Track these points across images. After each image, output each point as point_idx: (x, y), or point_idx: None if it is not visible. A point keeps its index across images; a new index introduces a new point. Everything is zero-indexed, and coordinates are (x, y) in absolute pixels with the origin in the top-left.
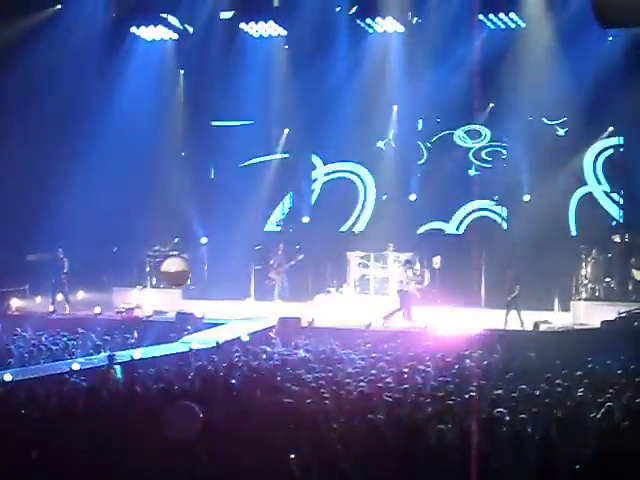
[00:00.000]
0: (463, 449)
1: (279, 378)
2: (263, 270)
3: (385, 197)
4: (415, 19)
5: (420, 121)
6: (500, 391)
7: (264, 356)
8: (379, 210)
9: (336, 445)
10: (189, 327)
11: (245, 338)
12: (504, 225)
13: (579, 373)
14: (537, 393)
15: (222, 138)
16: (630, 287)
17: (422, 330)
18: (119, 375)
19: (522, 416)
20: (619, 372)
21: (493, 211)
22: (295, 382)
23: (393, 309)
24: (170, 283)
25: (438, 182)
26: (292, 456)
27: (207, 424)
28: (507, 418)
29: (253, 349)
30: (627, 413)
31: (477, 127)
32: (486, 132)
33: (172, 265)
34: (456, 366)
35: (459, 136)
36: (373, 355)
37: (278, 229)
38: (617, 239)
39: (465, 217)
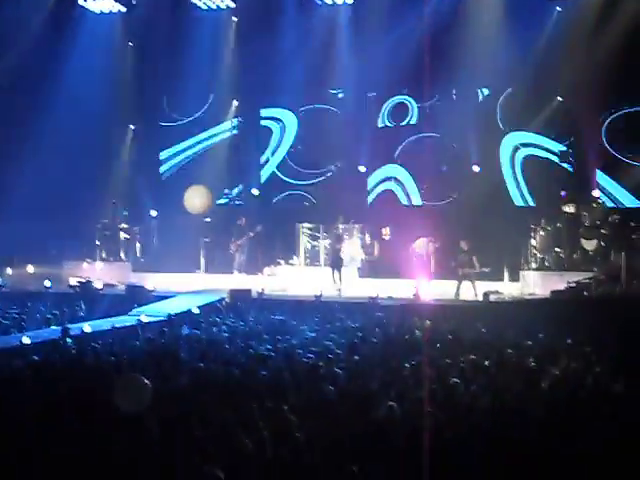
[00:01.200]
0: (415, 420)
1: (229, 350)
2: (212, 242)
3: (335, 168)
4: None
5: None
6: (450, 361)
7: (214, 328)
8: (329, 182)
9: (288, 417)
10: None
11: (195, 310)
12: (454, 196)
13: (529, 343)
14: (487, 363)
15: (172, 110)
16: (579, 257)
17: (371, 301)
18: (69, 348)
19: (473, 386)
20: (569, 342)
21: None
22: (245, 354)
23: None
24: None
25: (389, 153)
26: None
27: (157, 397)
28: (458, 388)
29: (203, 321)
30: (576, 382)
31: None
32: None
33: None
34: (406, 337)
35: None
36: (324, 326)
37: (231, 202)
38: (566, 209)
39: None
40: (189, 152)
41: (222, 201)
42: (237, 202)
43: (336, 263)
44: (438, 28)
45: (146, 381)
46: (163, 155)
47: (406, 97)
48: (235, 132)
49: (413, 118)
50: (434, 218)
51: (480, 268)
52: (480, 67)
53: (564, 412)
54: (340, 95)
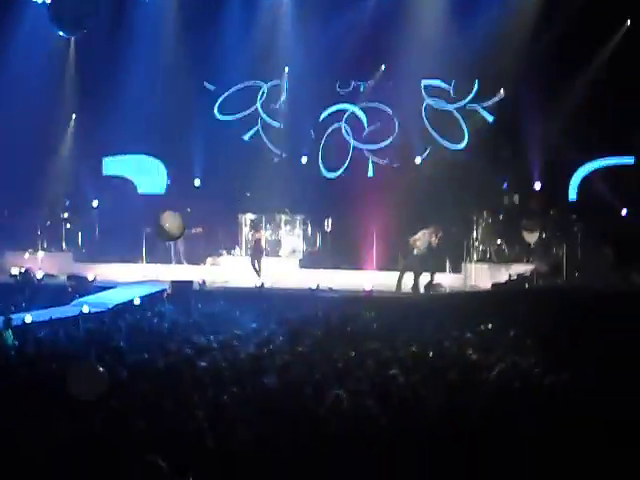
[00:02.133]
0: (357, 411)
1: (170, 341)
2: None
3: (277, 160)
4: None
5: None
6: (390, 353)
7: (155, 319)
8: (272, 172)
9: (229, 408)
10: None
11: (137, 301)
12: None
13: (469, 335)
14: (429, 355)
15: (113, 100)
16: (520, 249)
17: (313, 292)
18: (10, 339)
19: (414, 378)
20: (511, 334)
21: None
22: (187, 344)
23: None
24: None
25: (330, 144)
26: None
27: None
28: (400, 380)
29: (145, 312)
30: (518, 375)
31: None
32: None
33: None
34: (347, 328)
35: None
36: (266, 317)
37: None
38: (508, 201)
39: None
40: None
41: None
42: (177, 191)
43: (256, 253)
44: (381, 20)
45: (101, 369)
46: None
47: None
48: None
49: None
50: (379, 209)
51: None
52: (424, 58)
53: (504, 404)
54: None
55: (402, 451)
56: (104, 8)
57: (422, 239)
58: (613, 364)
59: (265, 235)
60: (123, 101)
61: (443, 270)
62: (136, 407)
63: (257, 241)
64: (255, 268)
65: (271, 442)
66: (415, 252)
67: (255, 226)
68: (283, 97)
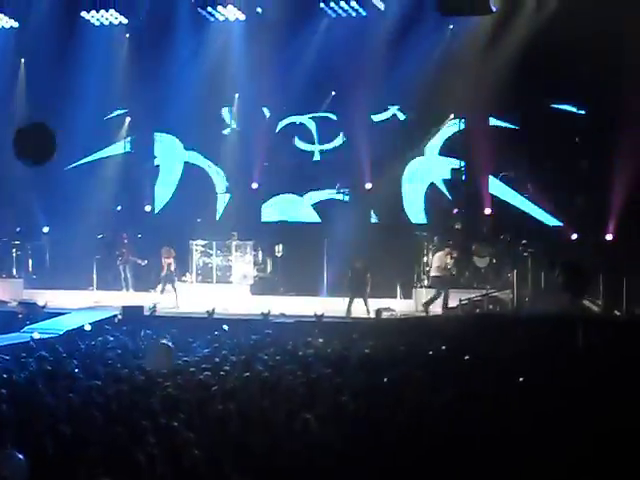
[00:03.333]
0: (307, 437)
1: (121, 367)
2: (105, 259)
3: (227, 185)
4: (257, 8)
5: (265, 109)
6: (341, 379)
7: (107, 345)
8: (222, 199)
9: (181, 434)
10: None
11: (87, 327)
12: (347, 213)
13: (420, 359)
14: (381, 380)
15: (64, 127)
16: (471, 274)
17: (264, 317)
18: None
19: (366, 402)
20: (466, 358)
21: (336, 199)
22: (138, 371)
23: (432, 296)
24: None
25: (282, 170)
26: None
27: (51, 414)
28: (351, 406)
29: (96, 338)
30: (472, 397)
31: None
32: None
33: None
34: (299, 353)
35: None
36: (215, 344)
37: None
38: (458, 226)
39: (309, 204)
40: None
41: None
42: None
43: (167, 277)
44: (333, 46)
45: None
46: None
47: (302, 117)
48: (128, 149)
49: (310, 138)
50: (328, 234)
51: (364, 284)
52: (375, 86)
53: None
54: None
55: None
56: (54, 35)
57: (438, 261)
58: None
59: (172, 259)
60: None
61: (394, 295)
62: (89, 433)
63: (168, 265)
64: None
65: (221, 467)
66: (434, 273)
67: (166, 251)
68: (233, 124)
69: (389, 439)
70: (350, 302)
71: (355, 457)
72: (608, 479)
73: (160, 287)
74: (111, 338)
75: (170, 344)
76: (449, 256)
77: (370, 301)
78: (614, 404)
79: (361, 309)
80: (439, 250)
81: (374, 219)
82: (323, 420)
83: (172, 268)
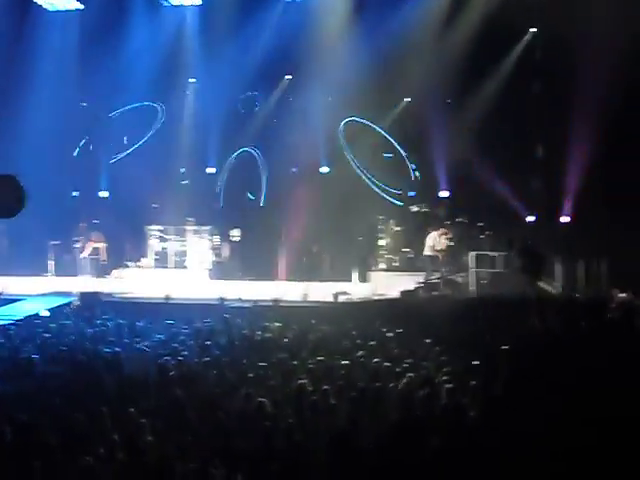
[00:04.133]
0: (268, 421)
1: (79, 353)
2: (61, 245)
3: (183, 170)
4: None
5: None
6: (297, 362)
7: (64, 331)
8: (178, 183)
9: (138, 419)
10: None
11: (44, 313)
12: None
13: (371, 343)
14: (338, 364)
15: (17, 113)
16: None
17: (221, 302)
18: None
19: (325, 387)
20: (426, 341)
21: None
22: (94, 356)
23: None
24: None
25: (236, 154)
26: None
27: (8, 400)
28: (310, 389)
29: (53, 324)
30: (426, 382)
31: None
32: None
33: None
34: (256, 338)
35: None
36: (173, 329)
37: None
38: (414, 209)
39: (265, 189)
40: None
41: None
42: (85, 203)
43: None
44: (287, 30)
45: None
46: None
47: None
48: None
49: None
50: (284, 219)
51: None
52: (330, 68)
53: (414, 413)
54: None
55: (310, 461)
56: (7, 21)
57: (432, 241)
58: (520, 372)
59: (103, 244)
60: (24, 115)
61: (349, 279)
62: (47, 419)
63: (94, 250)
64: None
65: (180, 454)
66: (426, 253)
67: (96, 235)
68: (190, 110)
69: (343, 423)
70: (307, 286)
71: (310, 441)
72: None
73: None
74: (68, 323)
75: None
76: (444, 236)
77: (327, 285)
78: (572, 384)
79: (318, 293)
80: (433, 230)
81: (329, 202)
82: (279, 405)
83: (103, 254)
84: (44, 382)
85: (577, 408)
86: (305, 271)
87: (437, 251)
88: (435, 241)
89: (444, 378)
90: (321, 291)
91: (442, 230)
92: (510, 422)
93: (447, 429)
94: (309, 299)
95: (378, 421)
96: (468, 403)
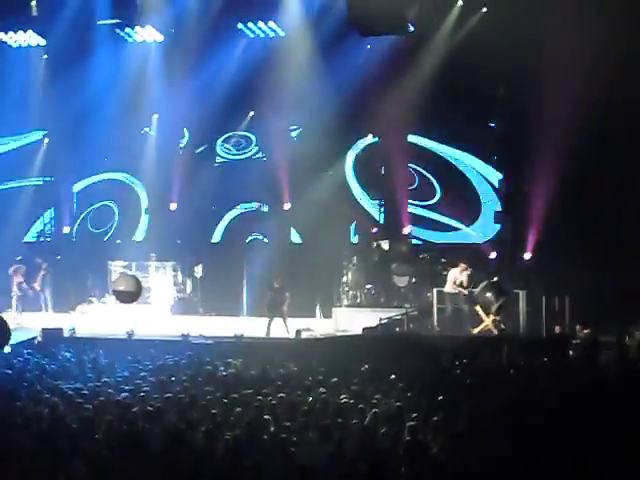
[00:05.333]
0: (230, 457)
1: (39, 389)
2: (25, 281)
3: (146, 206)
4: (173, 29)
5: (185, 130)
6: (261, 398)
7: (27, 367)
8: (141, 219)
9: (100, 454)
10: None
11: (7, 349)
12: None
13: (334, 380)
14: (302, 400)
15: None
16: (391, 293)
17: (183, 338)
18: None
19: (286, 423)
20: (391, 378)
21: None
22: (55, 393)
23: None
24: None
25: (201, 190)
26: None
27: None
28: (271, 427)
29: (15, 360)
30: (387, 419)
31: (241, 134)
32: (251, 139)
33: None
34: (218, 374)
35: (222, 147)
36: (136, 364)
37: (37, 240)
38: (377, 246)
39: (226, 226)
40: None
41: (31, 239)
42: (47, 239)
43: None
44: (251, 66)
45: None
46: None
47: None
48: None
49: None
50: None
51: (282, 303)
52: (294, 105)
53: (375, 449)
54: (150, 132)
55: None
56: None
57: (453, 277)
58: (483, 408)
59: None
60: None
61: (312, 315)
62: (8, 455)
63: (19, 285)
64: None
65: None
66: (447, 290)
67: (17, 269)
68: (152, 144)
69: (305, 459)
70: (270, 322)
71: (275, 477)
72: None
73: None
74: (30, 359)
75: None
76: (465, 272)
77: (290, 321)
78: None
79: (281, 329)
80: (454, 266)
81: (294, 238)
82: (243, 441)
83: (23, 287)
84: (5, 418)
85: (538, 445)
86: (268, 307)
87: (459, 286)
88: (456, 277)
89: (408, 415)
90: (284, 327)
91: (462, 266)
92: (472, 459)
93: (410, 466)
94: (272, 335)
95: (340, 457)
96: (431, 439)
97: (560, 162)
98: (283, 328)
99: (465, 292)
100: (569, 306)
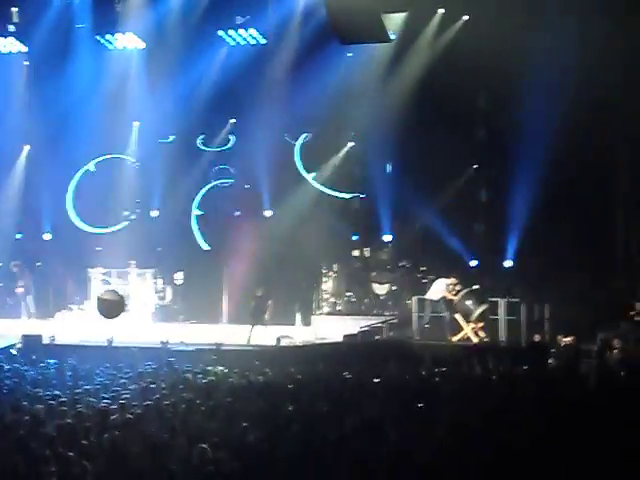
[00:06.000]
0: (210, 466)
1: (19, 396)
2: (3, 287)
3: (127, 213)
4: (154, 36)
5: (171, 137)
6: (241, 406)
7: (4, 374)
8: (121, 226)
9: (80, 462)
10: None
11: None
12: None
13: (321, 387)
14: (281, 408)
15: None
16: (371, 301)
17: (163, 346)
18: None
19: (265, 432)
20: (376, 380)
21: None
22: (35, 400)
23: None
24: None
25: (182, 198)
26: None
27: None
28: (250, 435)
29: None
30: (370, 426)
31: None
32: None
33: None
34: (199, 382)
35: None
36: (116, 372)
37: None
38: (357, 253)
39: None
40: None
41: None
42: (27, 246)
43: None
44: (232, 73)
45: None
46: None
47: (201, 142)
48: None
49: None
50: (227, 263)
51: (264, 312)
52: (275, 112)
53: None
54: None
55: None
56: None
57: (443, 286)
58: (463, 416)
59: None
60: None
61: (292, 323)
62: None
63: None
64: None
65: None
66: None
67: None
68: (132, 151)
69: (285, 468)
70: (251, 330)
71: None
72: None
73: None
74: (8, 367)
75: None
76: (457, 286)
77: (270, 328)
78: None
79: (261, 337)
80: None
81: (274, 246)
82: (221, 449)
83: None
84: None
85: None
86: (250, 314)
87: (453, 296)
88: (447, 288)
89: (388, 422)
90: (264, 335)
91: (452, 280)
92: (453, 467)
93: (390, 474)
94: (252, 342)
95: (322, 466)
96: (411, 447)
97: (541, 171)
98: (264, 336)
99: (455, 299)
100: (549, 314)
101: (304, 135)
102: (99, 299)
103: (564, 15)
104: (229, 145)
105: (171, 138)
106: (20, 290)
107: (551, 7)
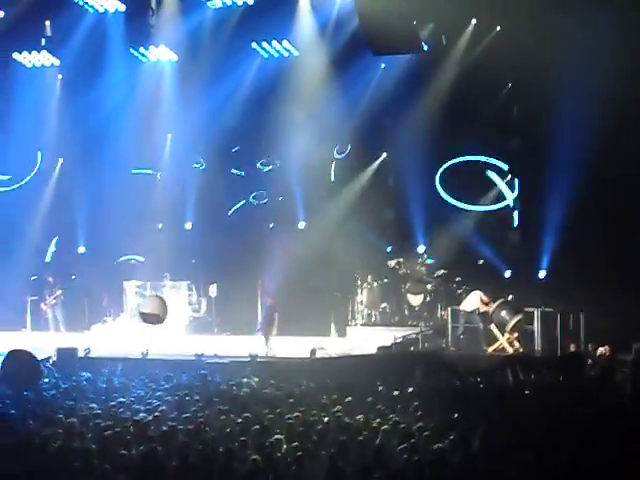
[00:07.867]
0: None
1: (56, 408)
2: (38, 300)
3: (161, 226)
4: (187, 48)
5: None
6: (274, 416)
7: (42, 387)
8: (155, 239)
9: (115, 476)
10: None
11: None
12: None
13: (349, 399)
14: (316, 419)
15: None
16: (406, 312)
17: (197, 358)
18: None
19: (299, 443)
20: (395, 394)
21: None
22: (71, 414)
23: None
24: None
25: (215, 210)
26: None
27: None
28: (284, 446)
29: None
30: (404, 436)
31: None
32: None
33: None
34: (233, 394)
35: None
36: (152, 384)
37: (51, 260)
38: (392, 264)
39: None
40: None
41: (48, 259)
42: (61, 259)
43: None
44: (264, 86)
45: None
46: None
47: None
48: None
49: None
50: (263, 275)
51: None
52: (308, 122)
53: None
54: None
55: None
56: None
57: (477, 297)
58: (498, 428)
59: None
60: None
61: (327, 334)
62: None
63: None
64: None
65: None
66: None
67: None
68: (167, 164)
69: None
70: (267, 342)
71: None
72: None
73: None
74: (46, 380)
75: None
76: (482, 301)
77: (302, 339)
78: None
79: (296, 348)
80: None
81: (308, 258)
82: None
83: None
84: (22, 439)
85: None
86: (261, 325)
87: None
88: (481, 300)
89: (423, 433)
90: (299, 346)
91: (481, 292)
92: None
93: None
94: (288, 354)
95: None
96: (446, 458)
97: (575, 179)
98: (299, 347)
99: (489, 309)
100: (584, 324)
101: (336, 146)
102: (148, 298)
103: (598, 13)
104: (265, 170)
105: (203, 166)
106: (51, 302)
107: (585, 6)
